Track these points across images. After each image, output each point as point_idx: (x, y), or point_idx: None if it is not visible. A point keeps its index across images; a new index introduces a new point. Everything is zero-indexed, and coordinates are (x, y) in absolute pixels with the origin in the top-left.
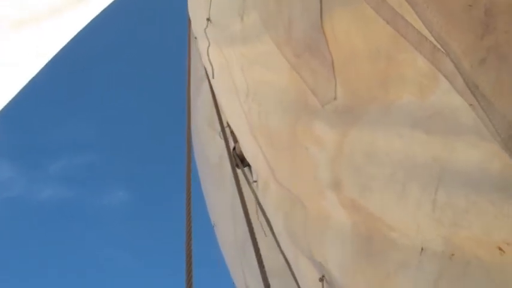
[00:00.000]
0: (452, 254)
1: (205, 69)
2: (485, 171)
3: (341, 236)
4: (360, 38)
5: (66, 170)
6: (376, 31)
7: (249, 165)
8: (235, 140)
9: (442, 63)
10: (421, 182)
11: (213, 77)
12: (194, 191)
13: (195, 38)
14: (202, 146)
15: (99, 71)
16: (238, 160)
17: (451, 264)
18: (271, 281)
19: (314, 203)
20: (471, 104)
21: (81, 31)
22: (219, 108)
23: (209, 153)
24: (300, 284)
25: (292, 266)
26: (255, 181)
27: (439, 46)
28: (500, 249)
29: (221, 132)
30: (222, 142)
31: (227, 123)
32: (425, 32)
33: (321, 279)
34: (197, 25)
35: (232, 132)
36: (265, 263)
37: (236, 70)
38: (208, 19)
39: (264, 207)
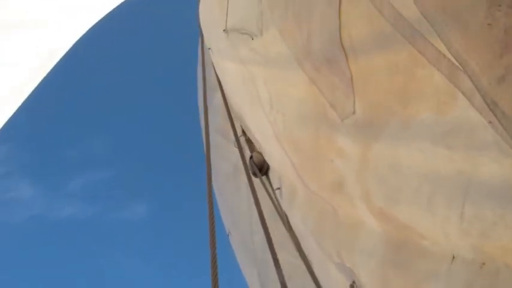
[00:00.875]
0: (483, 263)
1: (218, 79)
2: (509, 185)
3: (372, 242)
4: (379, 54)
5: (85, 186)
6: (394, 47)
7: (266, 174)
8: (252, 149)
9: (461, 81)
10: (448, 195)
11: (227, 87)
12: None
13: (209, 49)
14: (215, 156)
15: (112, 84)
16: (256, 168)
17: (481, 274)
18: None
19: (344, 210)
20: (490, 122)
21: (93, 44)
22: (233, 118)
23: (223, 162)
24: None
25: (319, 273)
26: (278, 188)
27: (457, 64)
28: None
29: (235, 142)
30: (237, 151)
31: (242, 132)
32: (444, 49)
33: (352, 286)
34: (211, 36)
35: (248, 141)
36: (285, 271)
37: (259, 82)
38: (225, 30)
39: (290, 213)
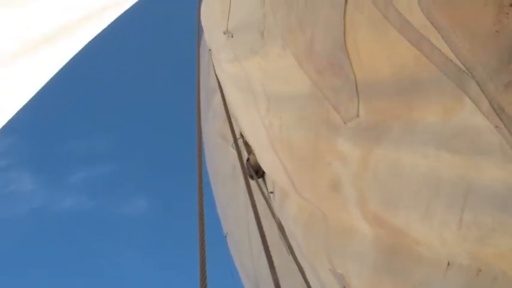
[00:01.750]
0: (480, 270)
1: (218, 81)
2: (511, 190)
3: (364, 248)
4: (384, 57)
5: (86, 180)
6: (400, 51)
7: (263, 177)
8: (249, 152)
9: (467, 85)
10: (447, 200)
11: (226, 89)
12: (208, 201)
13: (209, 50)
14: (214, 157)
15: (116, 82)
16: (253, 171)
17: (477, 280)
18: None
19: (336, 215)
20: (497, 126)
21: (97, 44)
22: (232, 120)
23: (222, 164)
24: None
25: (310, 278)
26: (271, 192)
27: (464, 68)
28: None
29: (234, 144)
30: (235, 153)
31: (240, 134)
32: (450, 54)
33: None
34: (212, 37)
35: (245, 144)
36: (280, 273)
37: (256, 84)
38: (225, 32)
39: (281, 217)
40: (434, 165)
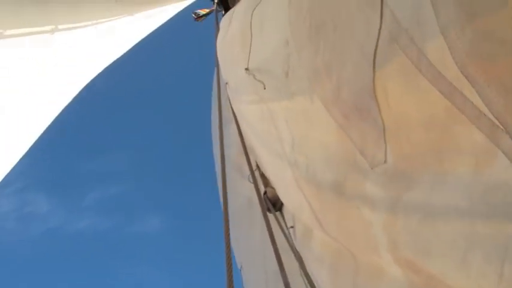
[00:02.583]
0: None
1: (233, 113)
2: None
3: None
4: (414, 106)
5: (101, 200)
6: (431, 101)
7: (280, 210)
8: (266, 184)
9: (501, 140)
10: (485, 252)
11: (243, 121)
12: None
13: (226, 83)
14: (228, 188)
15: (129, 101)
16: (270, 204)
17: None
18: None
19: (366, 257)
20: None
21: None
22: (248, 151)
23: (235, 196)
24: None
25: None
26: (292, 227)
27: (498, 123)
28: None
29: (250, 176)
30: (251, 186)
31: (256, 165)
32: (484, 108)
33: None
34: (230, 73)
35: (262, 176)
36: None
37: (281, 121)
38: (247, 69)
39: (303, 254)
40: (469, 217)
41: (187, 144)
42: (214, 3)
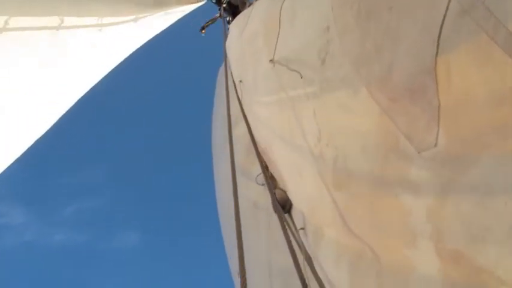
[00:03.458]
0: None
1: (243, 112)
2: None
3: None
4: (483, 82)
5: (77, 214)
6: (505, 75)
7: (289, 212)
8: (274, 186)
9: None
10: None
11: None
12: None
13: (240, 81)
14: (229, 192)
15: (107, 113)
16: (279, 206)
17: None
18: None
19: (393, 254)
20: None
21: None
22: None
23: (239, 200)
24: None
25: None
26: (302, 228)
27: None
28: None
29: (258, 178)
30: (257, 188)
31: (266, 167)
32: None
33: None
34: (248, 67)
35: (271, 177)
36: None
37: (306, 113)
38: (271, 60)
39: (315, 256)
40: None
41: (166, 158)
42: (220, 8)
